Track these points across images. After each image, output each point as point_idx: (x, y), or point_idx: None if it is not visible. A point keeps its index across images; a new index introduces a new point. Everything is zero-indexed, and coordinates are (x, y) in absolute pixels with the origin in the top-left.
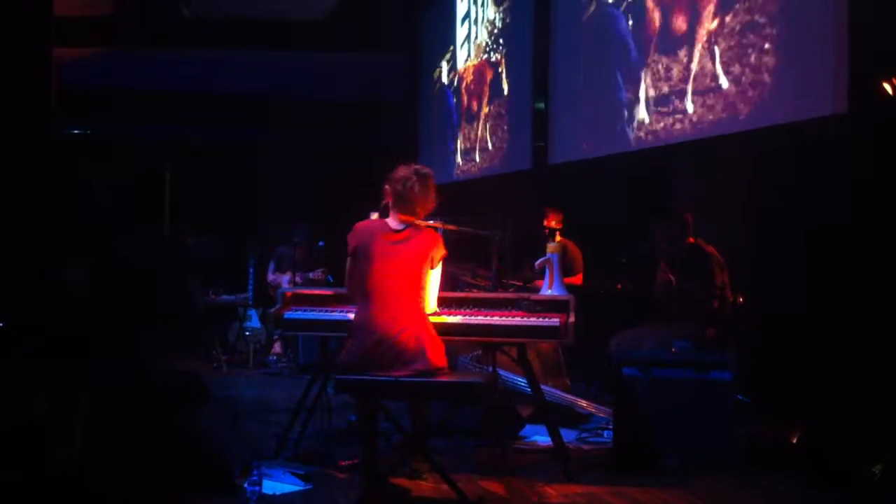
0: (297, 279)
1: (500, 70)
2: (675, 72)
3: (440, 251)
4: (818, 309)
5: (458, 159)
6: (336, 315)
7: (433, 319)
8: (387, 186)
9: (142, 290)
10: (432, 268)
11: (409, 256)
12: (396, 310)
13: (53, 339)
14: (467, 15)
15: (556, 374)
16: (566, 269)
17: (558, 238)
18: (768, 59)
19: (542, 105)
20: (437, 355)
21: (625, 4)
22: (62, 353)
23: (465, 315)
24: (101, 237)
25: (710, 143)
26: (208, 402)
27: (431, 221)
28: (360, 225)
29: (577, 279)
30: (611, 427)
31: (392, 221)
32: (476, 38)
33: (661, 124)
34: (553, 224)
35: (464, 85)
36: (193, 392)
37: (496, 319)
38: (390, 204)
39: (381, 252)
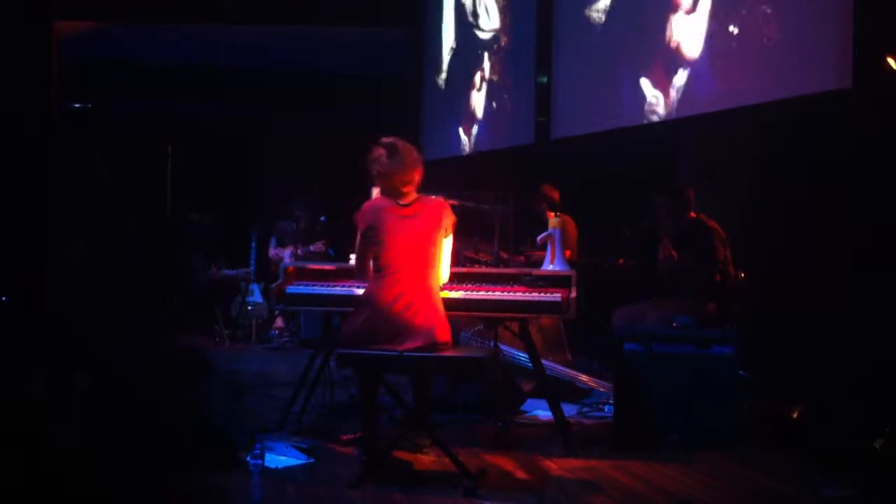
0: (299, 252)
1: (502, 43)
2: (679, 46)
3: (451, 218)
4: (820, 284)
5: (461, 134)
6: (338, 290)
7: None
8: (370, 171)
9: (143, 267)
10: (446, 236)
11: (422, 229)
12: (407, 286)
13: (53, 317)
14: None
15: (557, 348)
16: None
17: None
18: (773, 34)
19: (544, 79)
20: (443, 331)
21: None
22: (62, 332)
23: (466, 290)
24: (103, 214)
25: (712, 117)
26: (211, 377)
27: (433, 196)
28: (368, 205)
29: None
30: (612, 402)
31: (398, 198)
32: (479, 11)
33: (664, 99)
34: (553, 199)
35: (466, 59)
36: (196, 367)
37: (498, 294)
38: (382, 188)
39: (392, 228)
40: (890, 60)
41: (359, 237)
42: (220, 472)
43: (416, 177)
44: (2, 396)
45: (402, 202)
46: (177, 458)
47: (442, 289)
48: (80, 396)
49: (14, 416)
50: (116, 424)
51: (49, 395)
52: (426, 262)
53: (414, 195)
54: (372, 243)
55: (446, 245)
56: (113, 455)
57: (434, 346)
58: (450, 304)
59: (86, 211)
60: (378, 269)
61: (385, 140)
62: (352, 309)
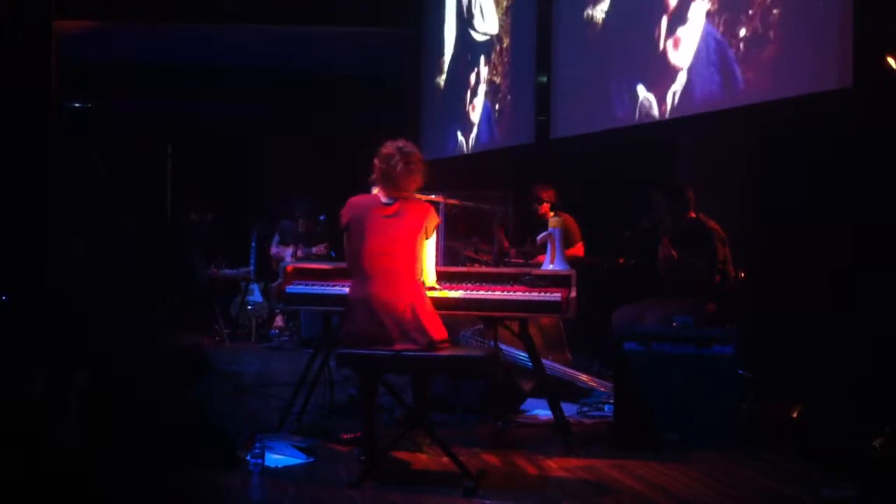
0: (300, 253)
1: (503, 43)
2: (679, 45)
3: (433, 220)
4: (819, 284)
5: (460, 134)
6: (338, 289)
7: (435, 294)
8: (375, 162)
9: (143, 267)
10: (427, 238)
11: (403, 230)
12: (392, 285)
13: (53, 316)
14: None
15: (557, 348)
16: (566, 243)
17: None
18: (773, 33)
19: (544, 79)
20: (435, 329)
21: None
22: (62, 331)
23: (466, 290)
24: (102, 212)
25: (712, 117)
26: (211, 376)
27: (433, 196)
28: (353, 199)
29: (578, 250)
30: (611, 401)
31: (383, 196)
32: (479, 11)
33: (664, 98)
34: (552, 200)
35: (466, 59)
36: (196, 366)
37: (498, 294)
38: (377, 180)
39: (373, 227)
40: (890, 60)
41: (344, 231)
42: (220, 471)
43: (414, 187)
44: (2, 394)
45: (385, 201)
46: (176, 457)
47: (442, 288)
48: (80, 395)
49: (14, 414)
50: (116, 423)
51: (49, 393)
52: (409, 261)
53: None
54: (353, 240)
55: (429, 247)
56: (113, 454)
57: (431, 344)
58: (450, 303)
59: (86, 211)
60: (360, 269)
61: (405, 147)
62: None
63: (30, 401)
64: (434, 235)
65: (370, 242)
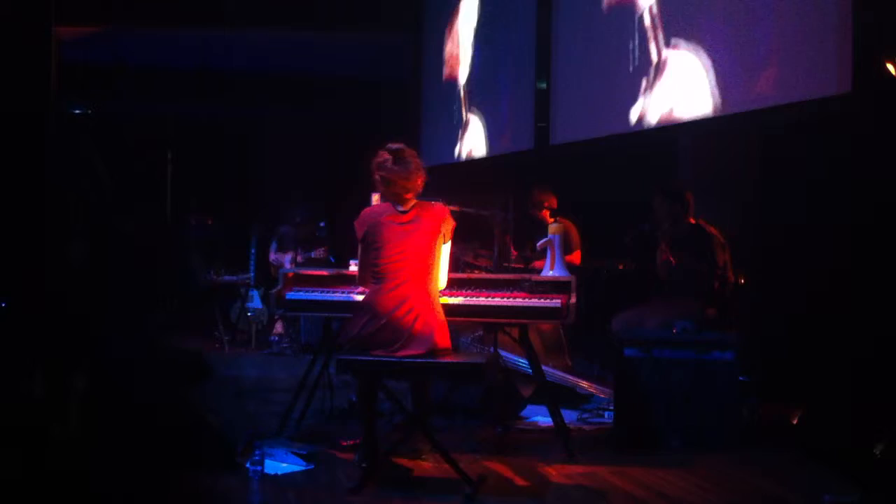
0: (299, 258)
1: (502, 48)
2: (679, 52)
3: (450, 223)
4: (820, 287)
5: (461, 139)
6: (338, 296)
7: None
8: (374, 175)
9: (142, 269)
10: (445, 242)
11: (421, 236)
12: (407, 292)
13: (53, 318)
14: None
15: (557, 353)
16: (565, 249)
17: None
18: (773, 38)
19: (543, 85)
20: (442, 337)
21: None
22: (62, 333)
23: (466, 296)
24: (102, 216)
25: (713, 122)
26: (211, 382)
27: (434, 202)
28: (366, 211)
29: (576, 258)
30: (611, 407)
31: (397, 204)
32: (478, 15)
33: (665, 103)
34: (552, 205)
35: (466, 64)
36: (196, 371)
37: (498, 300)
38: (383, 192)
39: (391, 236)
40: (889, 65)
41: (360, 244)
42: (219, 476)
43: (419, 184)
44: (3, 397)
45: (401, 209)
46: (176, 462)
47: (441, 294)
48: (80, 396)
49: (15, 415)
50: (116, 427)
51: (49, 396)
52: (425, 268)
53: (413, 201)
54: (371, 250)
55: (444, 251)
56: (112, 458)
57: (433, 351)
58: (449, 309)
59: (86, 213)
60: (378, 277)
61: (392, 146)
62: (350, 315)
63: (30, 403)
64: (450, 240)
65: (388, 251)
